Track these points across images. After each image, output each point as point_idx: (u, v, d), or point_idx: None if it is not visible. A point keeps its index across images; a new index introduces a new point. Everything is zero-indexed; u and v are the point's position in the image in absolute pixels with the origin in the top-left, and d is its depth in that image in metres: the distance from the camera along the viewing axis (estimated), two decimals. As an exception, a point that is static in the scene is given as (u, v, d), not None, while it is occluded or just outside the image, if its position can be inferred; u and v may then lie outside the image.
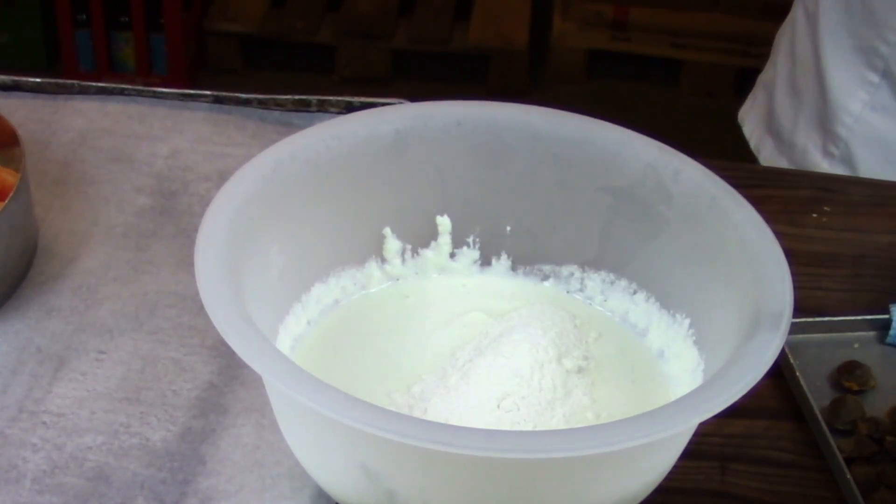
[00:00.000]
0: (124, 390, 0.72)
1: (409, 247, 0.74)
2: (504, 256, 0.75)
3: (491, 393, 0.64)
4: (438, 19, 2.60)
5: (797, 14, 1.19)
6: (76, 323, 0.76)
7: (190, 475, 0.68)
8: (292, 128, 0.90)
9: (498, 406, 0.63)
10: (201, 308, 0.59)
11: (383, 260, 0.73)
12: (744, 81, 2.27)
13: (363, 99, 0.92)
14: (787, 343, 0.61)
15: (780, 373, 0.76)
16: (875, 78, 1.09)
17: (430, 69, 2.57)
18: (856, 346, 0.78)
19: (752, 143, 1.20)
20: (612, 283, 0.73)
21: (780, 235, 0.65)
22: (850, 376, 0.75)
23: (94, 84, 0.94)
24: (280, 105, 0.93)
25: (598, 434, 0.55)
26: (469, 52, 2.57)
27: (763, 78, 1.24)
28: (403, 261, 0.74)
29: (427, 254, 0.74)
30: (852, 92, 1.11)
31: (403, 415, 0.56)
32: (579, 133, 0.71)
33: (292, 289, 0.70)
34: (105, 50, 2.50)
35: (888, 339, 0.78)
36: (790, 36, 1.20)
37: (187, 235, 0.82)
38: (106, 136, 0.90)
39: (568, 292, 0.74)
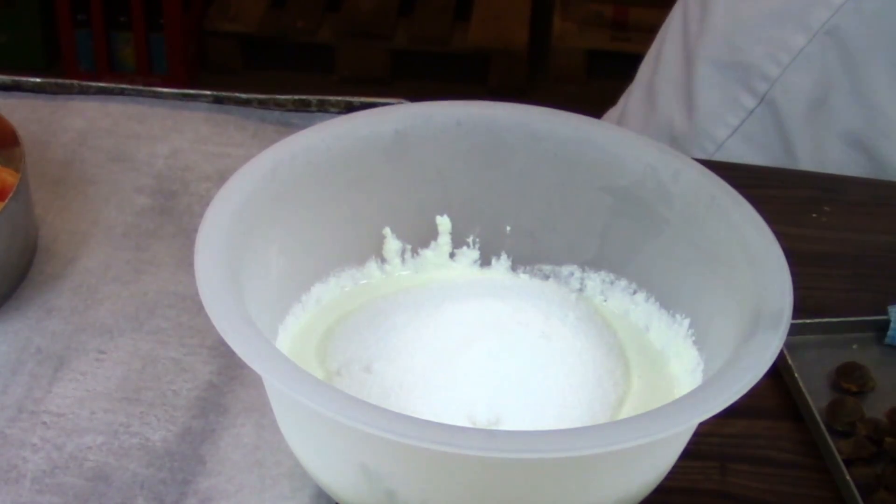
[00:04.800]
0: (124, 390, 0.72)
1: (409, 247, 0.74)
2: (504, 256, 0.75)
3: (490, 387, 0.64)
4: (438, 19, 2.60)
5: (674, 14, 1.07)
6: (76, 323, 0.76)
7: (190, 475, 0.68)
8: (292, 128, 0.90)
9: (491, 404, 0.63)
10: (201, 308, 0.59)
11: (383, 260, 0.73)
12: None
13: (363, 99, 0.92)
14: (786, 344, 0.61)
15: (779, 373, 0.76)
16: (751, 103, 0.98)
17: (430, 69, 2.57)
18: (855, 347, 0.78)
19: None
20: (612, 283, 0.73)
21: (780, 235, 0.65)
22: (849, 377, 0.75)
23: (94, 84, 0.94)
24: (280, 105, 0.93)
25: (598, 434, 0.55)
26: (469, 52, 2.57)
27: (629, 86, 1.13)
28: (403, 261, 0.74)
29: (427, 254, 0.74)
30: (720, 115, 1.00)
31: (403, 415, 0.56)
32: (579, 133, 0.71)
33: (292, 289, 0.70)
34: (105, 50, 2.50)
35: (887, 340, 0.78)
36: (661, 37, 1.09)
37: (187, 235, 0.82)
38: (106, 136, 0.90)
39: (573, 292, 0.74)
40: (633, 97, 1.10)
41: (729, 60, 1.00)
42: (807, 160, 0.99)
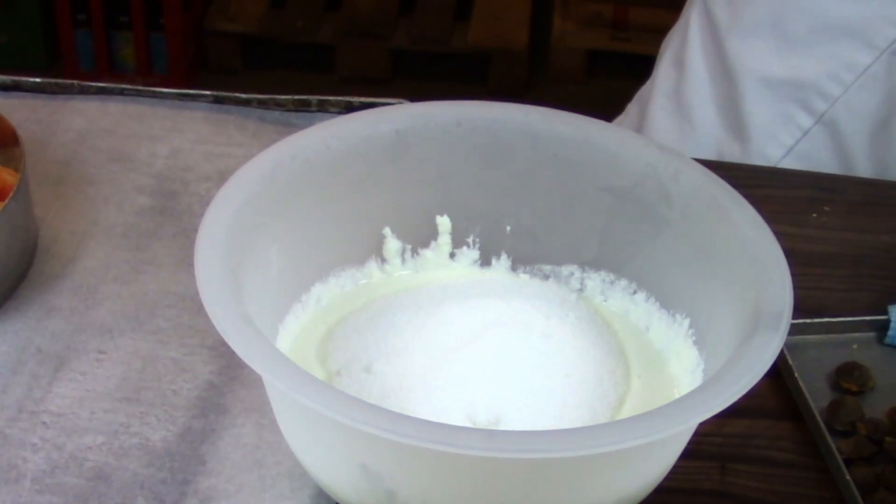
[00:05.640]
0: (124, 390, 0.72)
1: (409, 247, 0.74)
2: (504, 256, 0.75)
3: (490, 387, 0.64)
4: (438, 19, 2.60)
5: (693, 15, 1.02)
6: (76, 323, 0.76)
7: (190, 475, 0.68)
8: (292, 128, 0.90)
9: (492, 404, 0.63)
10: (201, 308, 0.59)
11: (383, 260, 0.73)
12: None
13: (363, 99, 0.92)
14: (786, 344, 0.61)
15: (779, 373, 0.76)
16: (808, 122, 0.95)
17: (430, 69, 2.57)
18: (855, 346, 0.78)
19: None
20: (612, 283, 0.73)
21: (780, 235, 0.65)
22: (849, 377, 0.75)
23: (94, 84, 0.94)
24: (280, 105, 0.93)
25: (598, 434, 0.55)
26: (469, 52, 2.57)
27: (640, 93, 1.09)
28: (403, 261, 0.74)
29: (427, 254, 0.74)
30: (773, 134, 0.96)
31: (403, 415, 0.56)
32: (579, 133, 0.71)
33: (292, 289, 0.70)
34: (105, 50, 2.50)
35: (887, 340, 0.78)
36: (679, 40, 1.04)
37: (187, 235, 0.82)
38: (106, 136, 0.90)
39: (579, 292, 0.74)
40: (656, 107, 1.06)
41: (781, 77, 0.96)
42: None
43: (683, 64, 1.04)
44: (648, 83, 1.09)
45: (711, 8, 1.02)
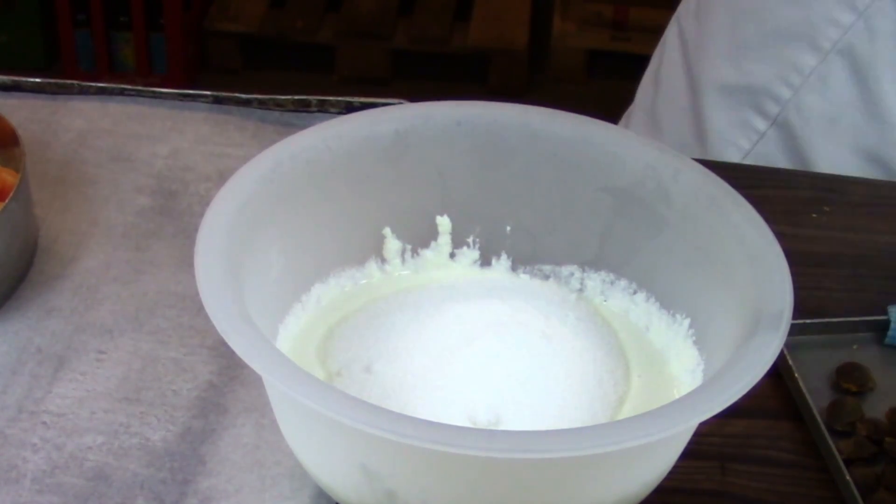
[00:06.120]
0: (124, 390, 0.72)
1: (409, 247, 0.74)
2: (504, 256, 0.75)
3: (490, 387, 0.64)
4: (438, 19, 2.60)
5: (669, 35, 1.07)
6: (76, 323, 0.76)
7: (190, 475, 0.68)
8: (292, 128, 0.90)
9: (492, 403, 0.63)
10: (201, 308, 0.59)
11: (383, 260, 0.73)
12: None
13: (363, 99, 0.92)
14: (786, 344, 0.61)
15: (779, 373, 0.76)
16: (763, 125, 0.99)
17: (430, 69, 2.58)
18: (855, 347, 0.78)
19: None
20: (612, 283, 0.73)
21: (780, 235, 0.65)
22: (849, 377, 0.75)
23: (94, 84, 0.94)
24: (280, 105, 0.93)
25: (598, 434, 0.55)
26: (469, 52, 2.57)
27: (626, 112, 1.13)
28: (403, 261, 0.74)
29: (427, 254, 0.74)
30: (731, 139, 1.00)
31: (403, 415, 0.56)
32: (579, 133, 0.71)
33: (292, 289, 0.70)
34: (105, 50, 2.50)
35: (887, 341, 0.78)
36: (658, 59, 1.08)
37: (187, 235, 0.82)
38: (106, 136, 0.90)
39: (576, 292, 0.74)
40: (634, 120, 1.09)
41: (736, 83, 1.00)
42: None
43: (660, 81, 1.07)
44: (632, 104, 1.12)
45: (683, 24, 1.05)
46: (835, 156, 0.99)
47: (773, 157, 1.00)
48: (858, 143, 0.99)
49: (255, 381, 0.72)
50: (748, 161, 1.00)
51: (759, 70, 0.98)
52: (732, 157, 1.00)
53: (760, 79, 0.98)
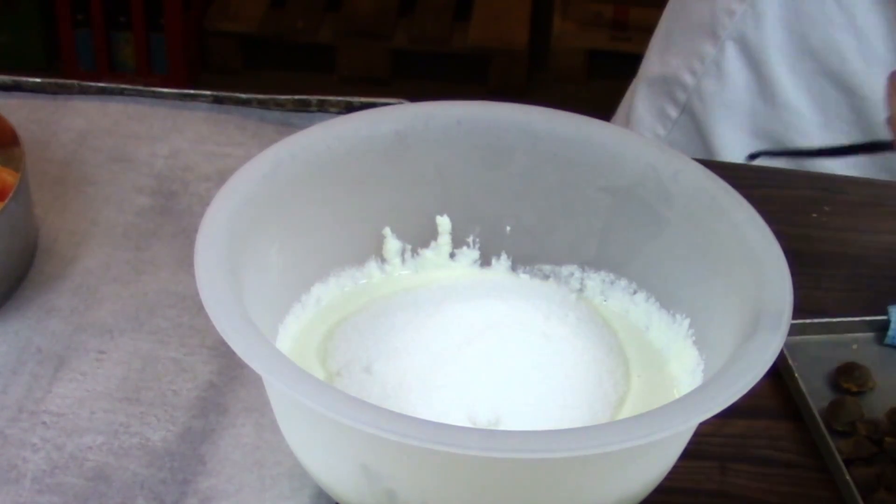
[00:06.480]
0: (124, 390, 0.72)
1: (409, 247, 0.74)
2: (504, 256, 0.75)
3: (490, 387, 0.64)
4: (438, 19, 2.60)
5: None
6: (76, 323, 0.76)
7: (190, 475, 0.68)
8: (292, 128, 0.90)
9: (494, 404, 0.63)
10: (201, 308, 0.59)
11: (383, 260, 0.73)
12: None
13: (363, 99, 0.92)
14: (786, 344, 0.61)
15: (779, 373, 0.76)
16: (675, 112, 1.04)
17: (430, 69, 2.58)
18: (854, 347, 0.78)
19: None
20: (612, 283, 0.73)
21: (780, 235, 0.65)
22: (848, 377, 0.75)
23: (94, 84, 0.94)
24: (280, 105, 0.93)
25: (598, 434, 0.55)
26: (469, 52, 2.57)
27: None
28: (403, 261, 0.74)
29: (427, 254, 0.74)
30: (652, 127, 1.06)
31: (403, 415, 0.56)
32: (579, 133, 0.71)
33: (292, 289, 0.70)
34: (105, 50, 2.50)
35: (886, 340, 0.78)
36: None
37: (187, 235, 0.82)
38: (106, 136, 0.90)
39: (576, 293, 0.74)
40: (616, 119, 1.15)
41: (658, 75, 1.06)
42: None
43: (633, 88, 1.14)
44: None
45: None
46: (733, 140, 1.03)
47: (685, 143, 1.04)
48: (754, 127, 1.03)
49: (255, 381, 0.72)
50: None
51: (674, 61, 1.04)
52: None
53: (673, 69, 1.04)
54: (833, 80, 0.99)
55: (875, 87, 0.95)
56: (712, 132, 1.03)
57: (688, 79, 1.02)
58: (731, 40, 1.00)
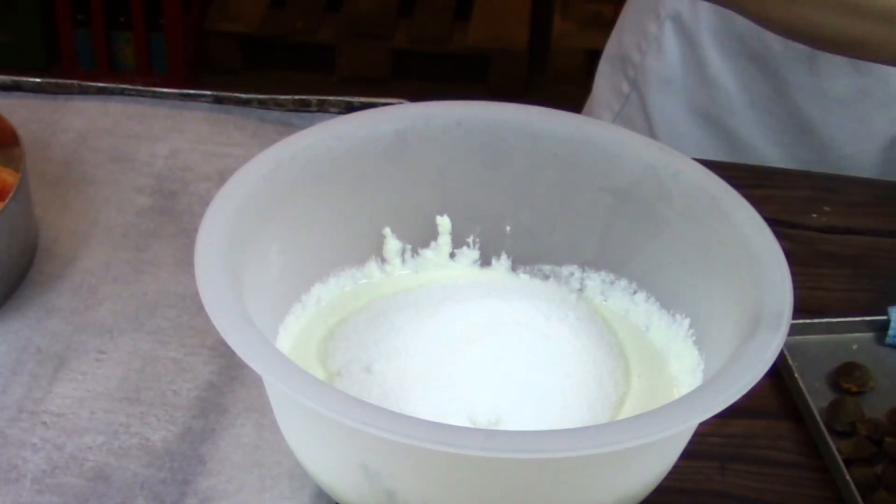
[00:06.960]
0: (124, 390, 0.72)
1: (409, 247, 0.74)
2: (504, 256, 0.75)
3: (490, 387, 0.64)
4: (438, 19, 2.60)
5: None
6: (76, 323, 0.76)
7: (190, 475, 0.68)
8: (292, 128, 0.90)
9: (494, 403, 0.63)
10: (201, 308, 0.59)
11: (383, 260, 0.73)
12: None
13: (363, 99, 0.92)
14: (786, 344, 0.61)
15: (779, 373, 0.76)
16: (626, 88, 1.06)
17: (430, 69, 2.57)
18: (854, 347, 0.78)
19: None
20: (612, 283, 0.73)
21: (780, 235, 0.65)
22: (848, 377, 0.75)
23: (94, 84, 0.94)
24: (280, 105, 0.93)
25: (598, 434, 0.55)
26: (469, 52, 2.57)
27: None
28: (403, 261, 0.74)
29: (427, 254, 0.74)
30: (607, 103, 1.09)
31: (403, 415, 0.56)
32: (579, 133, 0.71)
33: (292, 289, 0.70)
34: (105, 50, 2.50)
35: (886, 341, 0.78)
36: None
37: (187, 235, 0.82)
38: (106, 136, 0.90)
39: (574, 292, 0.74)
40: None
41: (615, 53, 1.09)
42: (665, 139, 1.05)
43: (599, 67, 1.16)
44: None
45: None
46: (673, 116, 1.05)
47: (633, 119, 1.07)
48: (691, 104, 1.04)
49: (255, 381, 0.72)
50: (617, 123, 1.07)
51: (626, 39, 1.07)
52: (605, 117, 1.08)
53: (626, 47, 1.07)
54: (757, 63, 1.00)
55: (796, 70, 0.98)
56: (654, 109, 1.06)
57: (636, 56, 1.05)
58: (670, 19, 1.02)
